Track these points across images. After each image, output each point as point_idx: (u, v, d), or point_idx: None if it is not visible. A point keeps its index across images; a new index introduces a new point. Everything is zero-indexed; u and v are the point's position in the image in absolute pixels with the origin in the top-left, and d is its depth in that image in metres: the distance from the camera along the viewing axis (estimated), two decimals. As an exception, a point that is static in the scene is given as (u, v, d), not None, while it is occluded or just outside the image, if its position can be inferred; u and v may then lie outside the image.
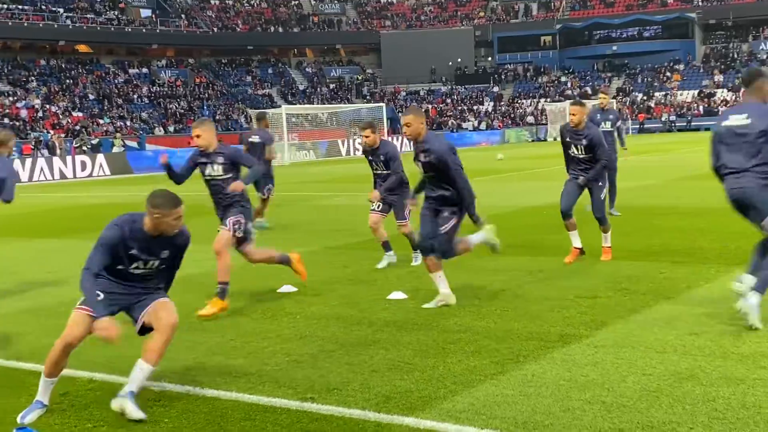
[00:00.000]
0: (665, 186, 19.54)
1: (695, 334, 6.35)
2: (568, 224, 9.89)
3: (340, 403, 5.15)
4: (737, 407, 4.76)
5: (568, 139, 9.88)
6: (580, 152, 9.75)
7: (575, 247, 9.85)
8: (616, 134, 14.15)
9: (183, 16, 72.73)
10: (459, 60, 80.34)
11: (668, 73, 75.82)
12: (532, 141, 63.11)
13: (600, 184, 9.86)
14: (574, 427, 4.58)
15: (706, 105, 68.77)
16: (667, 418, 4.63)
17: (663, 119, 68.39)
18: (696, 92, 71.49)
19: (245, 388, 5.52)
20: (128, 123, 56.04)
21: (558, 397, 5.06)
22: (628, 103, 69.64)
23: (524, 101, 75.15)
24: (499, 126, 68.31)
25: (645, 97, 72.72)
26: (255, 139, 14.80)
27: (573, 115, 9.67)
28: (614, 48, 78.62)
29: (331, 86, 76.60)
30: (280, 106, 53.84)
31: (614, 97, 69.14)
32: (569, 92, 73.71)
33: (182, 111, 62.50)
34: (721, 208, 9.32)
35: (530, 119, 70.09)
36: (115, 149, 45.88)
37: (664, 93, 72.97)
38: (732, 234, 10.61)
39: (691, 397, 4.96)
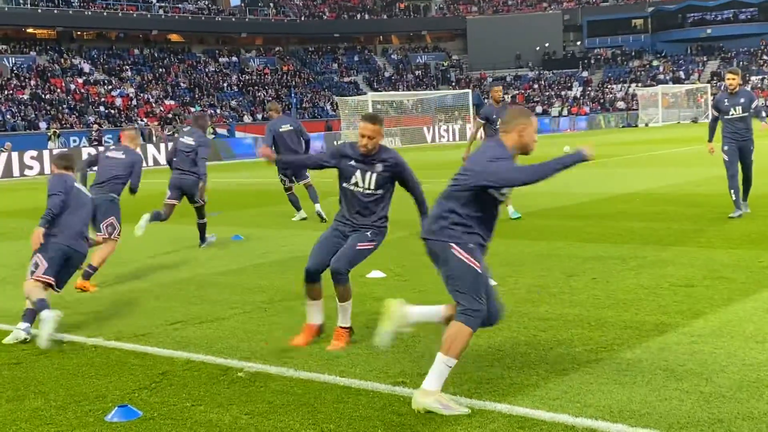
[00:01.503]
0: (759, 173, 18.88)
1: (798, 324, 6.15)
2: (311, 289, 6.43)
3: (432, 387, 5.15)
4: None
5: (351, 164, 6.20)
6: (367, 186, 6.21)
7: (311, 323, 6.46)
8: (750, 119, 11.95)
9: (271, 4, 73.72)
10: (547, 45, 79.23)
11: (765, 57, 73.19)
12: (623, 127, 61.80)
13: (369, 235, 6.32)
14: (672, 417, 4.48)
15: (804, 89, 66.15)
16: (769, 410, 4.50)
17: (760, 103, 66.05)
18: (795, 76, 68.86)
19: (337, 370, 5.59)
20: (218, 111, 57.16)
21: (654, 387, 4.97)
22: (722, 87, 67.57)
23: (614, 86, 73.67)
24: (583, 112, 67.04)
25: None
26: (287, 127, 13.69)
27: (366, 136, 6.08)
28: (708, 31, 76.37)
29: (417, 73, 76.54)
30: (365, 93, 54.10)
31: (709, 81, 67.18)
32: (661, 77, 71.92)
33: (270, 99, 63.42)
34: None
35: (621, 104, 68.68)
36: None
37: (760, 77, 70.50)
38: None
39: (795, 389, 4.81)
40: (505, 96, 70.97)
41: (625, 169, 22.27)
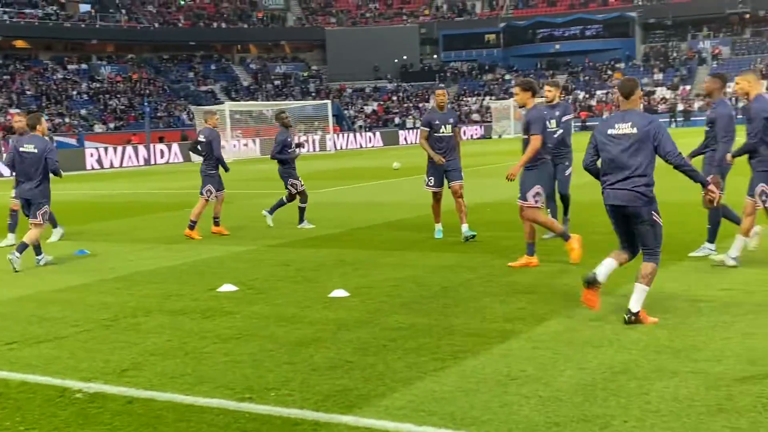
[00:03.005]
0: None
1: (630, 328, 6.45)
2: None
3: (279, 402, 5.11)
4: (670, 400, 4.83)
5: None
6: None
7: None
8: (567, 133, 11.52)
9: (123, 11, 71.62)
10: (404, 57, 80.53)
11: (609, 72, 77.02)
12: (477, 138, 63.52)
13: None
14: (511, 422, 4.60)
15: (646, 103, 69.99)
16: (601, 412, 4.69)
17: (604, 117, 69.42)
18: (636, 90, 72.69)
19: (181, 388, 5.44)
20: (67, 120, 55.00)
21: (496, 393, 5.09)
22: (570, 101, 70.62)
23: (469, 99, 75.67)
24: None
25: (587, 95, 73.80)
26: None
27: None
28: (557, 47, 79.62)
29: (276, 83, 76.16)
30: (223, 103, 53.38)
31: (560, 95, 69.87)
32: (513, 90, 74.36)
33: (123, 107, 61.60)
34: (663, 202, 9.52)
35: (476, 117, 70.59)
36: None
37: (605, 91, 74.12)
38: (674, 228, 10.74)
39: (626, 390, 5.03)
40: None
41: (476, 179, 22.83)
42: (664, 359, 5.62)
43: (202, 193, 13.41)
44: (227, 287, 8.76)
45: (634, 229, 6.84)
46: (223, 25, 77.35)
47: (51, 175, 10.94)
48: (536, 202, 9.46)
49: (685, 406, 4.73)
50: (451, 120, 11.73)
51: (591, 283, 6.78)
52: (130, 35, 70.64)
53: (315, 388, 5.34)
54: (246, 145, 48.56)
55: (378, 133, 58.96)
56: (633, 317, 6.57)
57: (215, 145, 13.45)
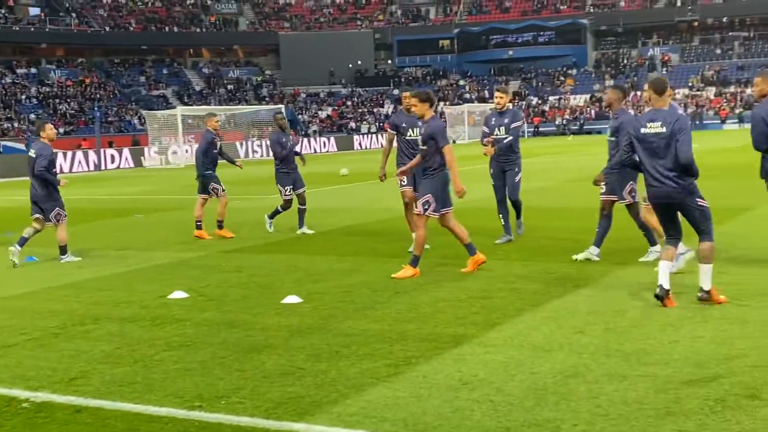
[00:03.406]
0: (558, 188, 20.04)
1: (581, 332, 6.51)
2: None
3: (229, 410, 5.05)
4: (619, 403, 4.89)
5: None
6: None
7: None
8: (515, 140, 11.33)
9: (73, 14, 70.57)
10: (359, 62, 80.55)
11: (561, 78, 77.92)
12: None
13: None
14: (463, 427, 4.61)
15: (598, 109, 70.96)
16: (552, 416, 4.72)
17: (557, 123, 70.22)
18: (588, 96, 73.71)
19: (130, 397, 5.36)
20: (16, 125, 54.03)
21: (448, 398, 5.10)
22: (523, 106, 71.34)
23: (423, 104, 75.81)
24: (386, 127, 68.65)
25: (540, 101, 74.56)
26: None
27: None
28: (510, 53, 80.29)
29: (229, 87, 75.61)
30: (175, 107, 52.83)
31: (511, 101, 70.49)
32: (467, 96, 74.83)
33: (73, 112, 60.69)
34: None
35: (429, 122, 70.79)
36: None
37: (557, 97, 74.97)
38: (620, 233, 10.91)
39: (576, 394, 5.07)
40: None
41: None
42: (614, 363, 5.68)
43: (215, 194, 13.71)
44: (178, 294, 8.66)
45: (683, 216, 7.36)
46: (175, 29, 76.61)
47: (55, 178, 11.57)
48: (424, 211, 9.21)
49: (634, 410, 4.78)
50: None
51: (663, 297, 7.19)
52: (81, 39, 69.65)
53: (266, 396, 5.30)
54: (199, 150, 48.07)
55: (332, 139, 58.86)
56: (705, 295, 7.20)
57: (199, 145, 13.84)
